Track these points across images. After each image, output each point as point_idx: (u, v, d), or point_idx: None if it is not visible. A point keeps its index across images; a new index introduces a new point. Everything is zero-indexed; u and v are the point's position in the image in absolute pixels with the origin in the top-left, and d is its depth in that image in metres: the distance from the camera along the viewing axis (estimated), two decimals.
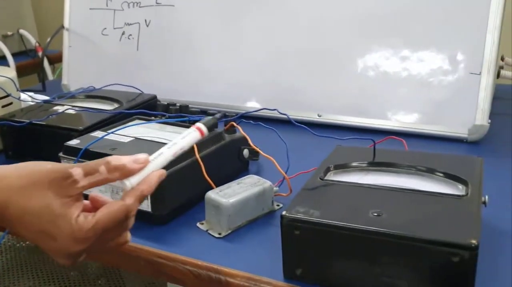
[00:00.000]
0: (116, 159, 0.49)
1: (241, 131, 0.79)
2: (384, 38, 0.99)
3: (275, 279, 0.56)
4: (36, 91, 1.25)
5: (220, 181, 0.72)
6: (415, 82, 0.97)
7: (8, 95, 0.95)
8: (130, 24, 1.21)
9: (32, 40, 1.75)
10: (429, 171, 0.62)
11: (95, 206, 0.49)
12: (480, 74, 0.91)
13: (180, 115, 0.84)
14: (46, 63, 1.64)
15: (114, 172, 0.48)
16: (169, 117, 0.84)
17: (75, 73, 1.30)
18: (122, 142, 0.75)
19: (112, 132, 0.78)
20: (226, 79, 1.12)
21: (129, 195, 0.49)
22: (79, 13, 1.27)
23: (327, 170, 0.65)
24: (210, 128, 0.58)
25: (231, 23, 1.11)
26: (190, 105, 0.87)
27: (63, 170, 0.47)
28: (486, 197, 0.62)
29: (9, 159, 0.93)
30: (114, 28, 1.23)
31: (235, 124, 0.80)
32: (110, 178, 0.48)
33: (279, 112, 0.78)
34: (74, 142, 0.76)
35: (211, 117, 0.60)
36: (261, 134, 0.82)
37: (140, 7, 1.19)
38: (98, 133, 0.79)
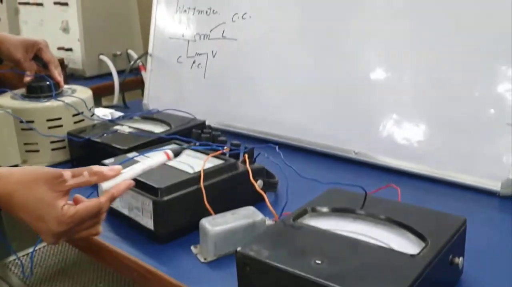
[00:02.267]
0: (96, 167, 0.66)
1: (247, 164, 0.85)
2: (422, 83, 0.98)
3: None
4: (119, 108, 1.43)
5: (229, 209, 0.78)
6: (448, 128, 0.95)
7: (79, 113, 1.11)
8: (200, 54, 1.33)
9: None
10: (393, 223, 0.63)
11: (77, 203, 0.65)
12: None
13: (206, 143, 0.92)
14: (145, 81, 1.83)
15: (94, 176, 0.65)
16: (199, 145, 0.93)
17: (155, 94, 1.45)
18: None
19: (142, 154, 0.89)
20: (270, 109, 1.19)
21: (103, 196, 0.65)
22: (161, 41, 1.43)
23: (304, 212, 0.68)
24: (176, 154, 0.74)
25: (282, 59, 1.18)
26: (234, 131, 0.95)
27: (57, 172, 0.64)
28: (461, 259, 0.61)
29: (74, 167, 1.08)
30: (187, 57, 1.36)
31: (246, 158, 0.86)
32: (91, 180, 0.65)
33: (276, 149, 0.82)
34: (108, 161, 0.88)
35: (180, 146, 0.76)
36: (285, 165, 0.84)
37: (209, 39, 1.31)
38: (132, 154, 0.91)
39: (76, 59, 1.87)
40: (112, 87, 1.81)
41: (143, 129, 1.07)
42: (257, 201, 0.88)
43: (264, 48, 1.21)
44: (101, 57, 1.89)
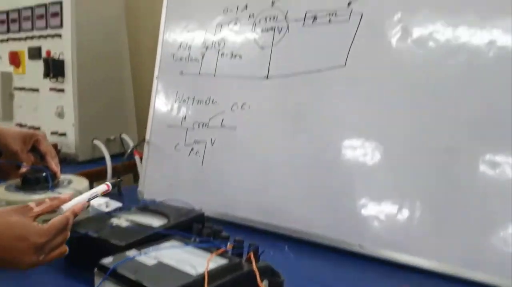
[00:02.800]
0: (55, 194, 0.91)
1: (254, 264, 0.82)
2: (432, 175, 0.98)
3: None
4: (113, 196, 1.40)
5: None
6: (457, 223, 0.93)
7: None
8: (198, 142, 1.33)
9: (131, 144, 1.96)
10: None
11: None
12: None
13: (209, 240, 0.89)
14: (139, 166, 1.82)
15: (54, 200, 0.83)
16: (199, 242, 0.90)
17: (150, 182, 1.43)
18: (146, 265, 0.82)
19: (143, 254, 0.86)
20: (275, 197, 1.17)
21: (67, 211, 0.82)
22: (159, 129, 1.43)
23: None
24: (113, 186, 1.00)
25: (281, 147, 1.18)
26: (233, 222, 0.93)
27: (23, 204, 0.80)
28: None
29: (66, 267, 1.04)
30: (185, 145, 1.35)
31: (252, 256, 0.83)
32: (53, 205, 0.83)
33: (286, 250, 0.79)
34: (107, 261, 0.84)
35: (117, 179, 1.03)
36: (291, 263, 0.82)
37: (207, 127, 1.31)
38: (132, 252, 0.87)
39: (70, 143, 1.87)
40: (104, 171, 1.80)
41: (141, 222, 1.04)
42: None
43: (264, 135, 1.21)
44: (95, 141, 1.89)
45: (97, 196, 0.94)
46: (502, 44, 0.93)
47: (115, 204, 1.27)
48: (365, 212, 1.04)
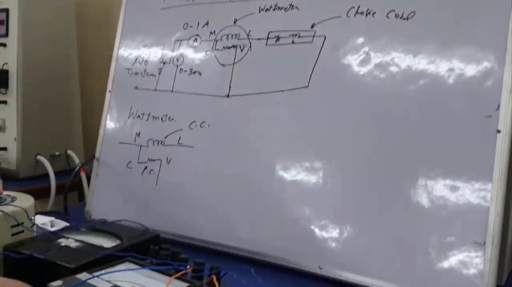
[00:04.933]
0: None
1: None
2: (387, 196, 0.99)
3: None
4: (59, 215, 1.32)
5: None
6: (416, 247, 0.94)
7: (19, 224, 1.00)
8: (153, 160, 1.28)
9: (77, 160, 1.87)
10: None
11: None
12: (484, 244, 0.87)
13: (166, 262, 0.85)
14: (85, 184, 1.73)
15: None
16: (157, 264, 0.85)
17: (99, 201, 1.36)
18: None
19: (95, 276, 0.80)
20: (232, 218, 1.14)
21: None
22: (110, 146, 1.37)
23: None
24: None
25: (240, 167, 1.15)
26: (189, 243, 0.89)
27: None
28: None
29: None
30: (138, 163, 1.30)
31: (214, 279, 0.79)
32: None
33: (252, 272, 0.77)
34: (55, 284, 0.77)
35: None
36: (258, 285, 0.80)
37: (163, 145, 1.27)
38: (83, 275, 0.81)
39: (10, 158, 1.76)
40: (47, 189, 1.70)
41: (92, 243, 0.97)
42: None
43: (221, 154, 1.18)
44: (38, 157, 1.79)
45: None
46: (460, 71, 0.95)
47: (61, 224, 1.20)
48: (324, 235, 1.03)
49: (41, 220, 1.18)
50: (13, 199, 1.07)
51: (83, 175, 1.73)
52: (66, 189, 1.48)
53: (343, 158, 1.04)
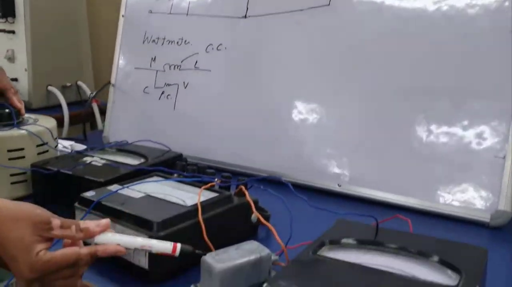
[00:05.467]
0: (83, 223, 0.64)
1: (247, 196, 0.80)
2: (408, 113, 0.99)
3: None
4: (77, 140, 1.33)
5: (226, 245, 0.72)
6: (437, 160, 0.95)
7: (44, 144, 1.01)
8: (170, 84, 1.28)
9: (88, 91, 1.87)
10: (423, 256, 0.60)
11: None
12: (504, 158, 0.89)
13: (195, 175, 0.87)
14: (97, 114, 1.74)
15: (79, 232, 0.63)
16: (185, 177, 0.87)
17: (116, 127, 1.37)
18: (133, 197, 0.78)
19: (126, 187, 0.82)
20: (249, 141, 1.15)
21: (85, 247, 0.63)
22: (126, 71, 1.36)
23: (322, 244, 0.64)
24: (182, 252, 0.65)
25: (259, 88, 1.15)
26: (209, 165, 0.91)
27: (46, 218, 0.62)
28: None
29: (37, 204, 0.97)
30: (155, 88, 1.30)
31: (243, 188, 0.81)
32: (76, 236, 0.63)
33: (283, 181, 0.79)
34: (89, 194, 0.79)
35: (189, 247, 0.65)
36: (271, 199, 0.83)
37: (180, 69, 1.26)
38: (114, 187, 0.83)
39: (22, 89, 1.74)
40: (59, 120, 1.70)
41: (118, 161, 0.99)
42: (249, 235, 0.84)
43: (239, 78, 1.18)
44: (50, 88, 1.78)
45: (148, 251, 0.66)
46: None
47: (81, 147, 1.21)
48: (342, 156, 1.04)
49: (62, 144, 1.19)
50: (35, 120, 1.08)
51: (95, 106, 1.73)
52: (83, 116, 1.49)
53: (365, 81, 1.04)
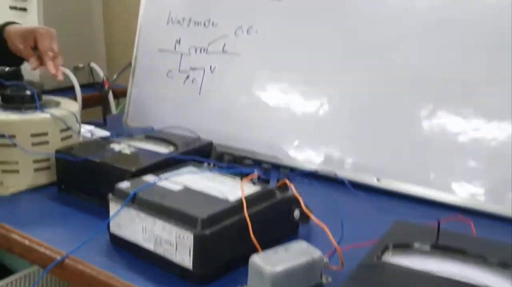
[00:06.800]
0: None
1: (293, 190, 0.75)
2: (453, 105, 0.94)
3: None
4: (97, 125, 1.28)
5: (266, 243, 0.67)
6: (485, 155, 0.90)
7: (68, 128, 0.96)
8: (195, 69, 1.21)
9: (101, 73, 1.81)
10: (503, 266, 0.55)
11: None
12: None
13: (233, 166, 0.82)
14: (111, 97, 1.68)
15: None
16: (223, 167, 0.82)
17: (137, 111, 1.31)
18: (172, 190, 0.73)
19: (163, 179, 0.76)
20: (285, 131, 1.09)
21: None
22: (148, 53, 1.30)
23: (385, 249, 0.59)
24: None
25: (293, 75, 1.09)
26: (245, 156, 0.86)
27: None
28: None
29: (61, 192, 0.93)
30: (179, 72, 1.24)
31: (288, 182, 0.76)
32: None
33: (337, 176, 0.73)
34: (124, 185, 0.74)
35: None
36: (316, 194, 0.78)
37: (207, 53, 1.20)
38: (149, 177, 0.78)
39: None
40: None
41: (147, 149, 0.94)
42: (290, 233, 0.79)
43: (270, 63, 1.12)
44: (61, 69, 1.72)
45: None
46: None
47: (101, 133, 1.16)
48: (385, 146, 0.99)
49: (82, 129, 1.14)
50: (57, 103, 1.02)
51: (106, 87, 1.67)
52: (101, 99, 1.43)
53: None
